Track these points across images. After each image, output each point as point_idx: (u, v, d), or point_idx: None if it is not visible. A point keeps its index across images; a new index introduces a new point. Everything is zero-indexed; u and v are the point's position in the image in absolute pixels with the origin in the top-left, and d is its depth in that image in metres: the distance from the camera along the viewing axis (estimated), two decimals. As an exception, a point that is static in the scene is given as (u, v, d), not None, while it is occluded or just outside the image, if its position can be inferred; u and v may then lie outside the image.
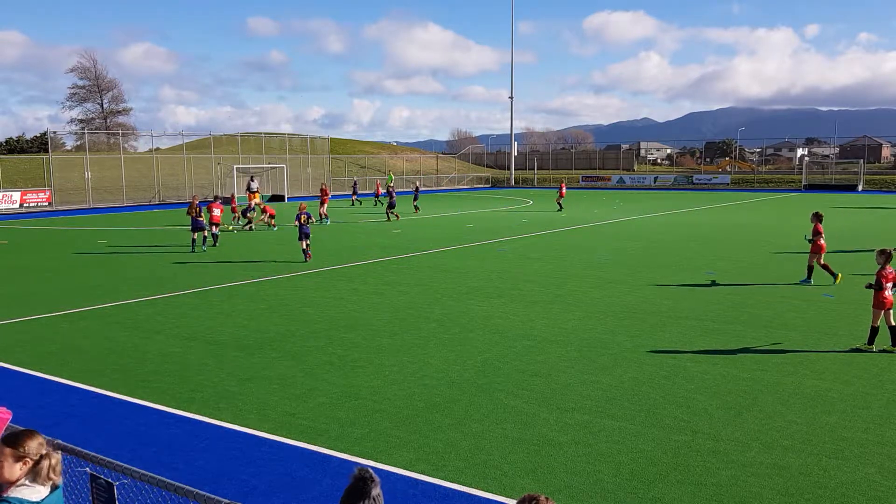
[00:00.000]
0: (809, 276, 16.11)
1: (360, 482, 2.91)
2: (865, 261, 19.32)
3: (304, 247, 20.37)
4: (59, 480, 3.60)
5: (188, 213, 22.96)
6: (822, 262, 16.02)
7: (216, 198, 25.89)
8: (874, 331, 10.63)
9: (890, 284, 10.52)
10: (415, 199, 38.98)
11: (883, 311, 10.51)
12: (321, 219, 32.08)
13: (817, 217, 16.31)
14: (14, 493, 3.43)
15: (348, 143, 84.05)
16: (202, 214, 22.72)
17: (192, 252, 22.19)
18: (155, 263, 20.25)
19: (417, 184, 41.60)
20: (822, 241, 16.01)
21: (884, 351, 10.55)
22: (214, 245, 23.64)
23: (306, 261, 20.02)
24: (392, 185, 35.94)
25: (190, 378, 9.53)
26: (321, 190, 33.97)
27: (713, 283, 16.17)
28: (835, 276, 15.92)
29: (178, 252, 22.73)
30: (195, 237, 22.62)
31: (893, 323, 10.54)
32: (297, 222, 20.75)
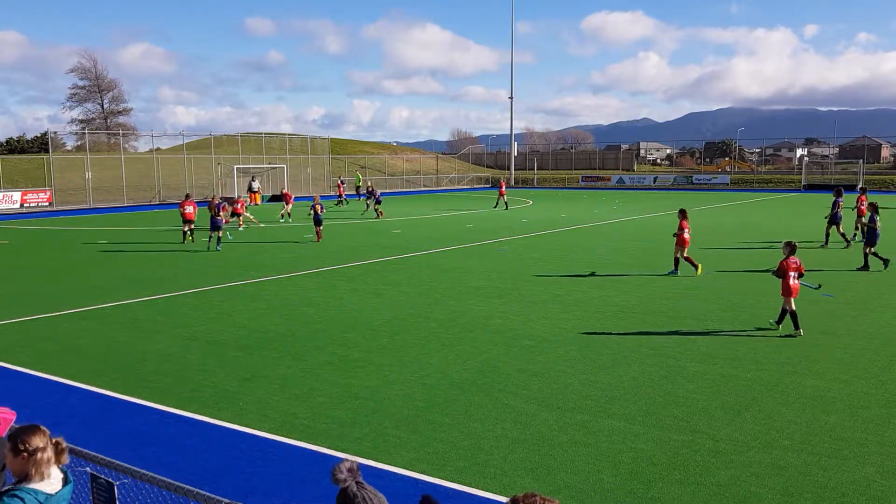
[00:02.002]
0: (676, 268, 17.51)
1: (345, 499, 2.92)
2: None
3: (317, 230, 25.07)
4: (57, 474, 3.60)
5: (208, 210, 24.03)
6: (685, 254, 17.34)
7: (188, 196, 26.25)
8: (787, 313, 11.65)
9: (794, 273, 11.58)
10: (376, 202, 36.28)
11: (792, 298, 11.61)
12: (284, 217, 33.82)
13: (682, 214, 17.54)
14: (27, 484, 3.48)
15: (348, 144, 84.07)
16: (220, 213, 23.54)
17: (207, 251, 22.62)
18: (155, 263, 20.26)
19: (370, 184, 41.06)
20: (687, 236, 17.32)
21: (788, 335, 11.48)
22: (192, 241, 24.76)
23: (318, 240, 24.77)
24: (360, 184, 36.41)
25: (190, 378, 9.53)
26: (284, 194, 36.07)
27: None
28: (696, 266, 17.32)
29: (178, 252, 22.74)
30: (211, 235, 23.20)
31: (794, 308, 11.60)
32: (311, 211, 25.30)
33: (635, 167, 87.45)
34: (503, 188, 42.31)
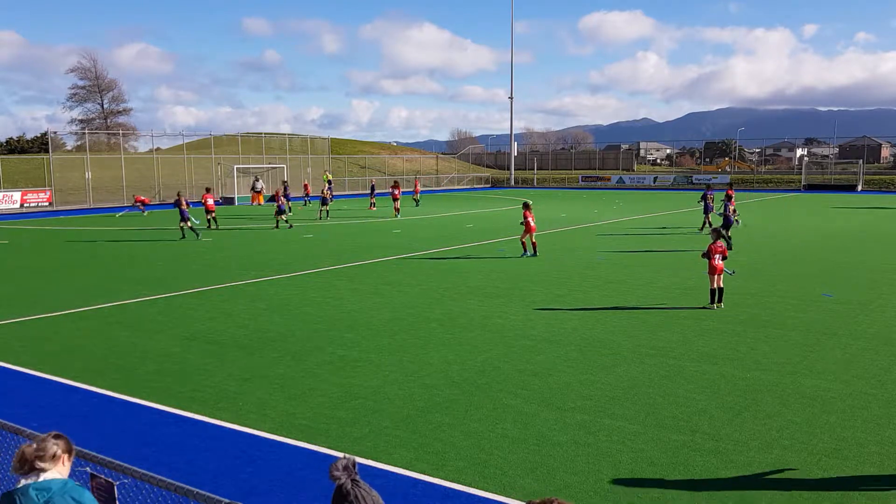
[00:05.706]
0: (525, 250, 20.78)
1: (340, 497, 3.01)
2: (866, 262, 19.33)
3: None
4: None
5: (177, 206, 26.71)
6: (522, 238, 20.79)
7: (208, 189, 30.27)
8: (712, 292, 13.58)
9: (718, 256, 13.56)
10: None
11: (715, 276, 13.52)
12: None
13: (525, 206, 20.82)
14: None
15: (348, 143, 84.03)
16: (187, 206, 26.69)
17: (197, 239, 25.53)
18: (155, 263, 20.25)
19: (373, 181, 42.70)
20: (532, 224, 20.66)
21: (704, 308, 13.47)
22: (209, 228, 28.58)
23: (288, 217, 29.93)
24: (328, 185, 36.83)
25: (190, 378, 9.53)
26: (396, 184, 37.78)
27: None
28: (526, 251, 20.71)
29: (177, 252, 22.74)
30: (181, 226, 26.35)
31: (722, 285, 13.65)
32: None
33: (635, 167, 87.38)
34: (417, 186, 44.95)
